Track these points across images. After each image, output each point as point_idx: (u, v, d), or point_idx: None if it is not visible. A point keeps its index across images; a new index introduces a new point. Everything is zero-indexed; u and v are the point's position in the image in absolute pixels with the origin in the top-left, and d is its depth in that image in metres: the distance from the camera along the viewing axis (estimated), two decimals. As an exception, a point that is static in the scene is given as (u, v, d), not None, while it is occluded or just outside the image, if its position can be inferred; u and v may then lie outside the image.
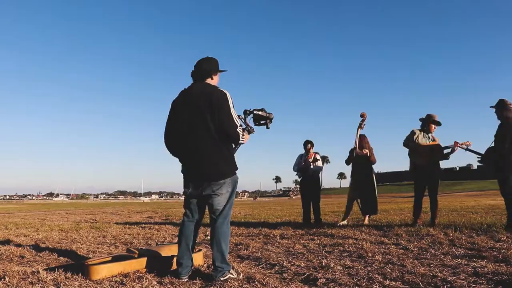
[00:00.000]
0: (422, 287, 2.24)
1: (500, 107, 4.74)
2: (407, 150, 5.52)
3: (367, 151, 6.02)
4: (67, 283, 2.41)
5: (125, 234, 5.42)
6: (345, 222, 6.09)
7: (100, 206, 22.21)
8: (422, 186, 5.39)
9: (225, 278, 2.42)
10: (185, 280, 2.48)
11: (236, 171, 2.54)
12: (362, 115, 5.84)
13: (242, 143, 2.52)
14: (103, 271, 2.57)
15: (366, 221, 6.15)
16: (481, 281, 2.33)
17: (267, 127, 2.69)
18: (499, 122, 4.83)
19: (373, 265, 2.85)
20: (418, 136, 5.38)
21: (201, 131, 2.42)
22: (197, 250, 3.18)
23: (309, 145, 6.47)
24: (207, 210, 2.59)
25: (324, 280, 2.43)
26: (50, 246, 4.17)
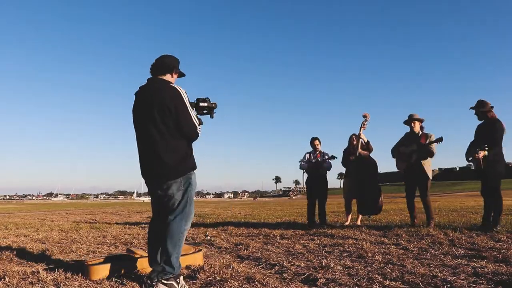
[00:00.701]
0: (422, 287, 2.24)
1: (484, 108, 4.82)
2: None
3: (366, 153, 6.01)
4: (67, 283, 2.41)
5: (125, 234, 5.42)
6: (347, 222, 6.12)
7: (100, 206, 22.21)
8: (410, 187, 5.40)
9: (167, 282, 2.27)
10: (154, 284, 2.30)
11: (193, 170, 2.44)
12: (364, 116, 5.85)
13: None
14: (103, 271, 2.57)
15: (358, 221, 6.15)
16: (481, 281, 2.33)
17: (211, 117, 2.65)
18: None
19: (373, 265, 2.85)
20: (401, 142, 5.48)
21: (151, 130, 2.34)
22: (197, 250, 3.18)
23: (316, 141, 6.39)
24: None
25: (324, 280, 2.43)
26: (50, 246, 4.17)
